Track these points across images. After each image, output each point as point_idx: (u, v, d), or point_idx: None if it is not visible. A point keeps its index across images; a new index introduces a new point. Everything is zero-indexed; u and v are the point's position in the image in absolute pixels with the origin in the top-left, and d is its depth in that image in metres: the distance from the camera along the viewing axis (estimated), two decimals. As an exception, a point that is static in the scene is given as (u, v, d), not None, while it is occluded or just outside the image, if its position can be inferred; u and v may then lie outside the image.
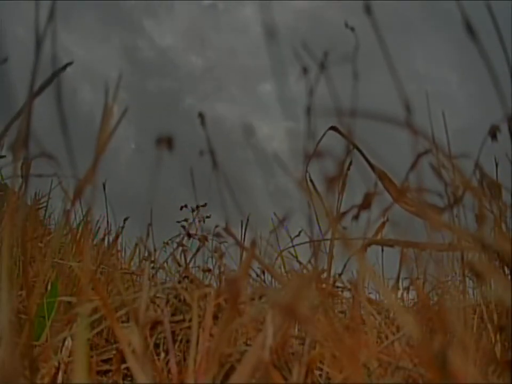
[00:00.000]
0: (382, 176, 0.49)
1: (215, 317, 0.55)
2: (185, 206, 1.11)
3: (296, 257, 1.04)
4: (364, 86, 0.43)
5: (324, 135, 0.52)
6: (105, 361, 0.69)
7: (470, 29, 0.35)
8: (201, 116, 0.44)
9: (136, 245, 1.37)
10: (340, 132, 0.49)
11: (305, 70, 0.43)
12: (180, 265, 1.01)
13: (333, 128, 0.52)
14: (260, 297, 0.66)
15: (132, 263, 1.39)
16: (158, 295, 0.73)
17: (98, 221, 1.38)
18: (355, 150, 0.52)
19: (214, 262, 1.04)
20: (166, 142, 0.34)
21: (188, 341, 0.67)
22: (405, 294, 1.04)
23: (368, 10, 0.37)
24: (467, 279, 0.68)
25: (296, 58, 0.42)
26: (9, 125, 0.40)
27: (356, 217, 0.45)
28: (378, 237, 0.64)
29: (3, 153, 1.18)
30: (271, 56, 0.36)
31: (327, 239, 0.62)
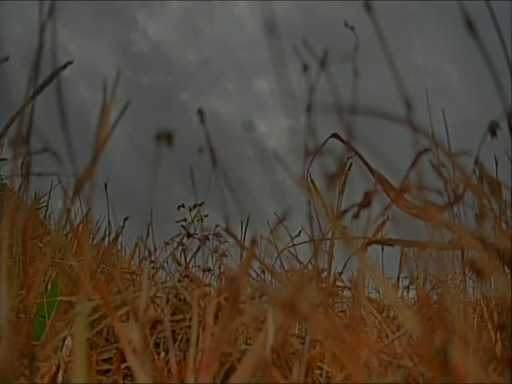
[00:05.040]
0: (381, 180, 0.49)
1: (216, 316, 0.55)
2: (183, 205, 1.10)
3: (296, 256, 1.04)
4: (364, 81, 0.43)
5: (325, 142, 0.51)
6: (105, 360, 0.69)
7: (470, 25, 0.35)
8: (200, 113, 0.44)
9: (136, 244, 1.36)
10: (341, 139, 0.49)
11: (305, 67, 0.43)
12: (180, 265, 1.01)
13: (334, 135, 0.51)
14: (260, 296, 0.66)
15: (132, 263, 1.39)
16: (158, 294, 0.73)
17: (98, 221, 1.38)
18: (355, 154, 0.52)
19: (214, 261, 1.04)
20: (166, 138, 0.33)
21: (188, 340, 0.67)
22: (405, 293, 1.04)
23: (368, 8, 0.37)
24: (467, 278, 0.68)
25: (296, 54, 0.42)
26: (9, 124, 0.40)
27: (356, 216, 0.45)
28: (379, 235, 0.64)
29: (3, 151, 1.18)
30: (271, 51, 0.36)
31: (328, 238, 0.62)
